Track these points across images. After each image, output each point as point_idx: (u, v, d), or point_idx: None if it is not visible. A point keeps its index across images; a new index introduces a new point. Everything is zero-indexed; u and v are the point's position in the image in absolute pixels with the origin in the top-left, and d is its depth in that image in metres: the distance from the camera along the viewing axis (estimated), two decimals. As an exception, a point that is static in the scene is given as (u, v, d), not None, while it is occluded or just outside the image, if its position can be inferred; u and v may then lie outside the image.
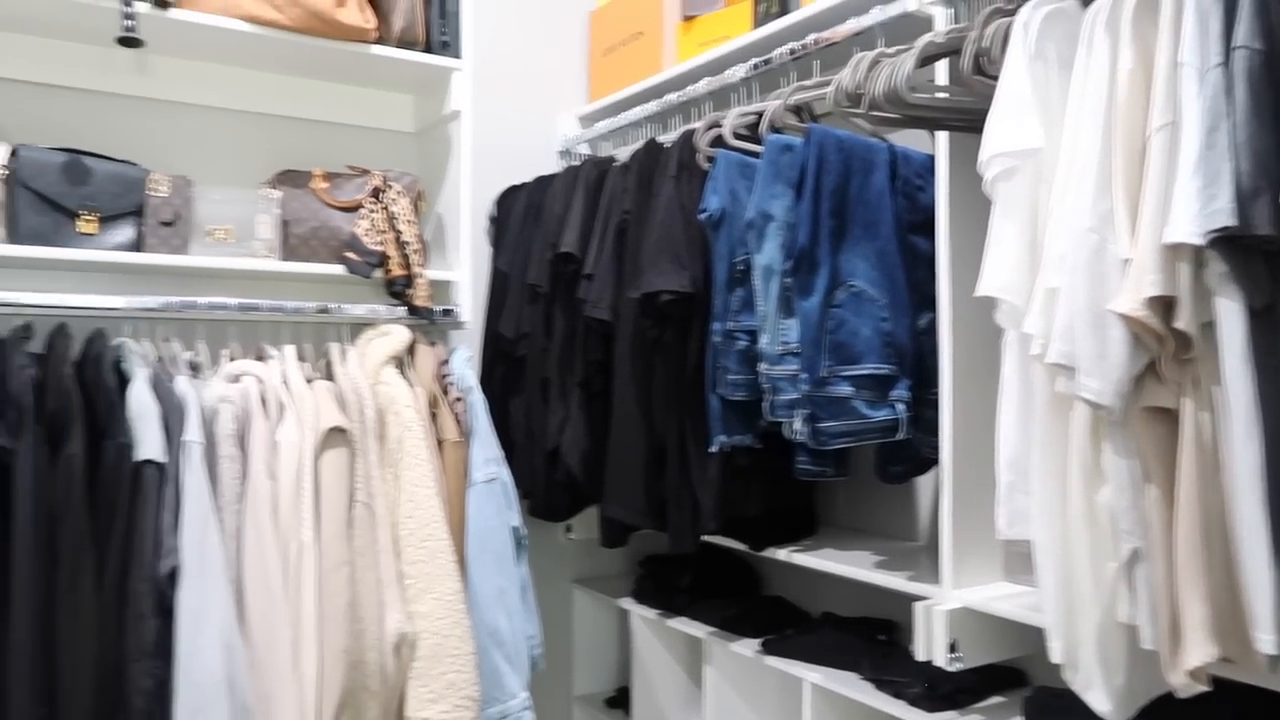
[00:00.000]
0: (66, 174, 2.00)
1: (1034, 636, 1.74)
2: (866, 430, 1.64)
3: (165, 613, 1.73)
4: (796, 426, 1.67)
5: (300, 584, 1.83)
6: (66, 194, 1.99)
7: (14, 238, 1.95)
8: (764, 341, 1.73)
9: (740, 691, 2.25)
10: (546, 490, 2.29)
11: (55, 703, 1.67)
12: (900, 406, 1.65)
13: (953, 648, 1.65)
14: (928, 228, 1.67)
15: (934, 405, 1.67)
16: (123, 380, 1.86)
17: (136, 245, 2.05)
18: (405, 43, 2.22)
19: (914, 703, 1.79)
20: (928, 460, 1.86)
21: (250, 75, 2.34)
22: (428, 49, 2.27)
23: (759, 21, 2.11)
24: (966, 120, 1.55)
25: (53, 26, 2.07)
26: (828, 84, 1.67)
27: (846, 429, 1.63)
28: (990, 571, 1.73)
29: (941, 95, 1.56)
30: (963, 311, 1.63)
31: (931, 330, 1.69)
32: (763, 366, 1.73)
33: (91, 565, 1.72)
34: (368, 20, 2.16)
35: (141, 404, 1.81)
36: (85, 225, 2.01)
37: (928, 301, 1.69)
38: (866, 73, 1.50)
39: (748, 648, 2.13)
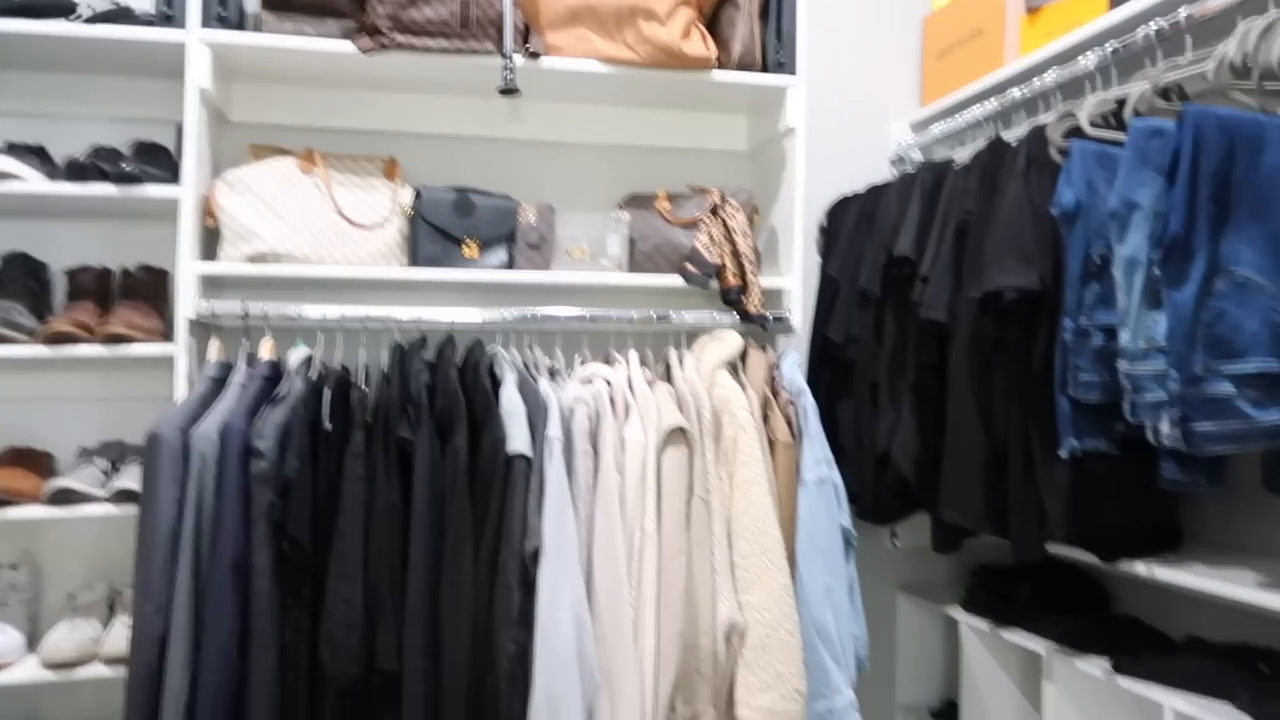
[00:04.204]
0: (456, 209, 2.13)
1: None
2: (1252, 434, 1.34)
3: (528, 587, 1.77)
4: (1164, 430, 1.40)
5: (642, 569, 1.80)
6: (455, 225, 2.13)
7: (415, 262, 2.11)
8: (1125, 337, 1.47)
9: (1085, 714, 1.94)
10: (875, 494, 2.12)
11: (439, 659, 1.75)
12: (1296, 407, 1.33)
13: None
14: (1331, 207, 1.35)
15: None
16: (495, 383, 1.94)
17: (509, 265, 2.15)
18: (743, 65, 2.17)
19: (1308, 748, 1.44)
20: (1329, 470, 1.51)
21: (603, 111, 2.40)
22: (764, 69, 2.21)
23: (1117, 1, 1.83)
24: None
25: (445, 84, 2.23)
26: (1205, 60, 1.40)
27: (1227, 432, 1.34)
28: None
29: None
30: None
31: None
32: (1123, 364, 1.47)
33: (470, 542, 1.79)
34: (710, 50, 2.13)
35: (512, 404, 1.87)
36: (469, 251, 2.14)
37: (1329, 289, 1.36)
38: (1258, 41, 1.23)
39: (1096, 666, 1.84)
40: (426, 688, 1.72)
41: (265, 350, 1.95)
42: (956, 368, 1.85)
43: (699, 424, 1.90)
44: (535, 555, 1.77)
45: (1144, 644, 1.93)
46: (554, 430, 1.83)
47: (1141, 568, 1.71)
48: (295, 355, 1.92)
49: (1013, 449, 1.74)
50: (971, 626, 2.22)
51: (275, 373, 1.89)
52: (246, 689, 1.68)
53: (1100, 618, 2.04)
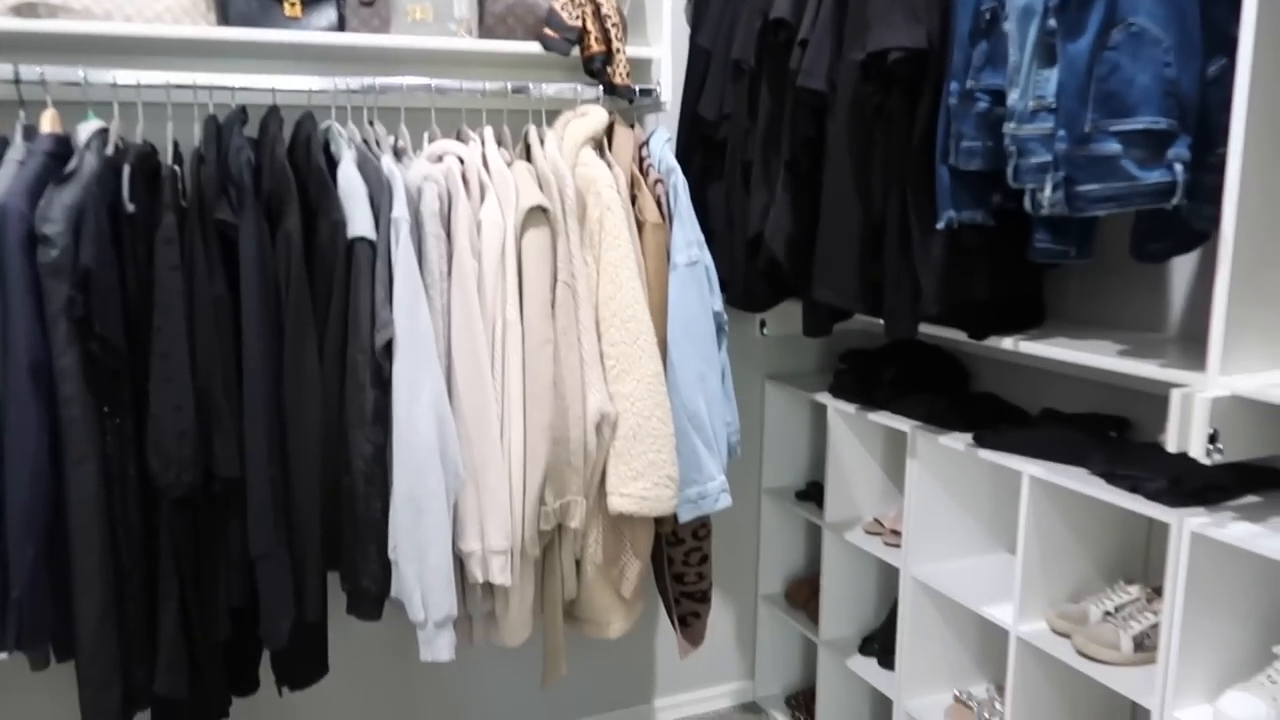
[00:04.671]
0: (271, -41, 1.82)
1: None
2: (1134, 194, 1.30)
3: (382, 384, 1.64)
4: (1046, 193, 1.36)
5: (506, 361, 1.70)
6: (272, -23, 1.82)
7: (225, 21, 1.81)
8: (1013, 97, 1.39)
9: (947, 487, 2.02)
10: (746, 279, 2.05)
11: (287, 464, 1.62)
12: (1178, 168, 1.29)
13: (1212, 438, 1.35)
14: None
15: (1216, 169, 1.31)
16: (331, 162, 1.72)
17: (339, 27, 1.87)
18: None
19: (1154, 497, 1.52)
20: (1196, 235, 1.51)
21: None
22: None
23: None
24: None
25: None
26: None
27: (1110, 193, 1.30)
28: (1263, 358, 1.39)
29: None
30: (1272, 57, 1.25)
31: (1223, 79, 1.31)
32: (1009, 127, 1.40)
33: (314, 337, 1.63)
34: None
35: (350, 183, 1.67)
36: (290, 8, 1.85)
37: (1223, 43, 1.30)
38: None
39: (958, 441, 1.89)
40: (275, 494, 1.60)
41: (47, 123, 1.65)
42: (834, 141, 1.75)
43: (561, 204, 1.75)
44: (388, 349, 1.63)
45: (1002, 418, 2.00)
46: (400, 211, 1.65)
47: (1008, 343, 1.72)
48: (86, 129, 1.64)
49: (890, 224, 1.68)
50: (839, 410, 2.25)
51: (62, 148, 1.61)
52: (65, 505, 1.51)
53: (961, 396, 2.09)
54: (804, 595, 2.56)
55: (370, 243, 1.64)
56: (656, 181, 1.87)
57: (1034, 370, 2.05)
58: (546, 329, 1.71)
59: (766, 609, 2.64)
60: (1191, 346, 1.64)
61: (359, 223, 1.64)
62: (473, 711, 2.42)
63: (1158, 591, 1.73)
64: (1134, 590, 1.72)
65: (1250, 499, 1.54)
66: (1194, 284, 1.73)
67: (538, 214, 1.72)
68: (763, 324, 2.47)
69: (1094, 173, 1.30)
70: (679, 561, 1.96)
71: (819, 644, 2.38)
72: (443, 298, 1.70)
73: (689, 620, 2.00)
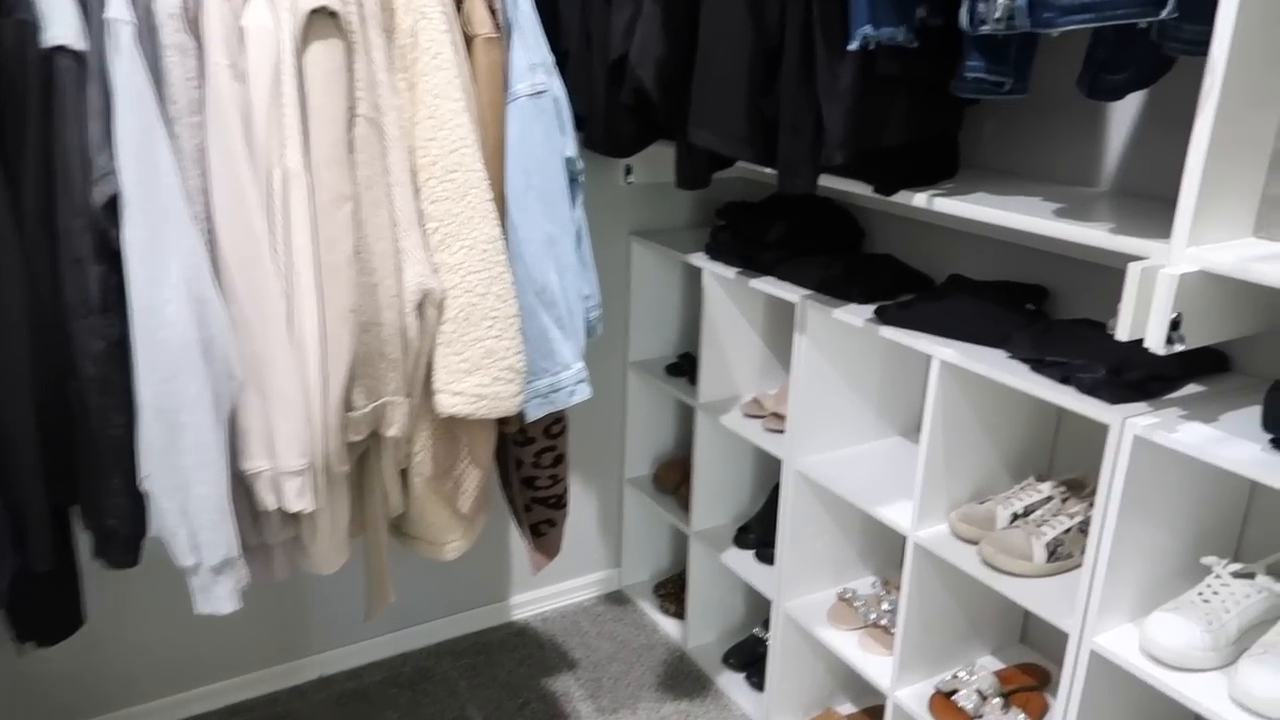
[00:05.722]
0: None
1: (1273, 310, 1.21)
2: (1116, 2, 0.99)
3: (110, 256, 1.22)
4: (1002, 0, 1.03)
5: (290, 224, 1.29)
6: None
7: None
8: None
9: (839, 366, 1.77)
10: (607, 115, 1.68)
11: (-19, 368, 1.20)
12: (1174, -34, 0.99)
13: (1175, 324, 1.11)
14: None
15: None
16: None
17: None
18: None
19: (1091, 391, 1.29)
20: (1161, 66, 1.23)
21: None
22: None
23: None
24: None
25: None
26: None
27: (1088, 0, 0.99)
28: (1235, 225, 1.15)
29: None
30: None
31: None
32: (959, -97, 1.05)
33: (4, 195, 1.18)
34: None
35: (49, -31, 1.18)
36: None
37: None
38: None
39: (856, 315, 1.62)
40: (-33, 408, 1.19)
41: None
42: (720, -69, 1.36)
43: (358, 7, 1.31)
44: (113, 208, 1.20)
45: (905, 286, 1.74)
46: (118, 9, 1.18)
47: (921, 200, 1.43)
48: None
49: (789, 45, 1.32)
50: (716, 275, 1.94)
51: None
52: None
53: (857, 260, 1.82)
54: (674, 479, 2.33)
55: (76, 54, 1.17)
56: (489, -18, 1.44)
57: (939, 229, 1.79)
58: (343, 181, 1.30)
59: (633, 494, 2.40)
60: (1133, 205, 1.39)
61: (58, 25, 1.17)
62: (310, 616, 2.12)
63: (1069, 487, 1.55)
64: (1045, 488, 1.53)
65: (1193, 388, 1.34)
66: (1138, 127, 1.47)
67: (324, 19, 1.27)
68: (628, 170, 2.11)
69: (1070, -29, 0.97)
70: (529, 464, 1.66)
71: (690, 535, 2.16)
72: (195, 136, 1.26)
73: (542, 529, 1.72)
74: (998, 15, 1.10)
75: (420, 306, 1.37)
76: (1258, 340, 1.38)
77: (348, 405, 1.36)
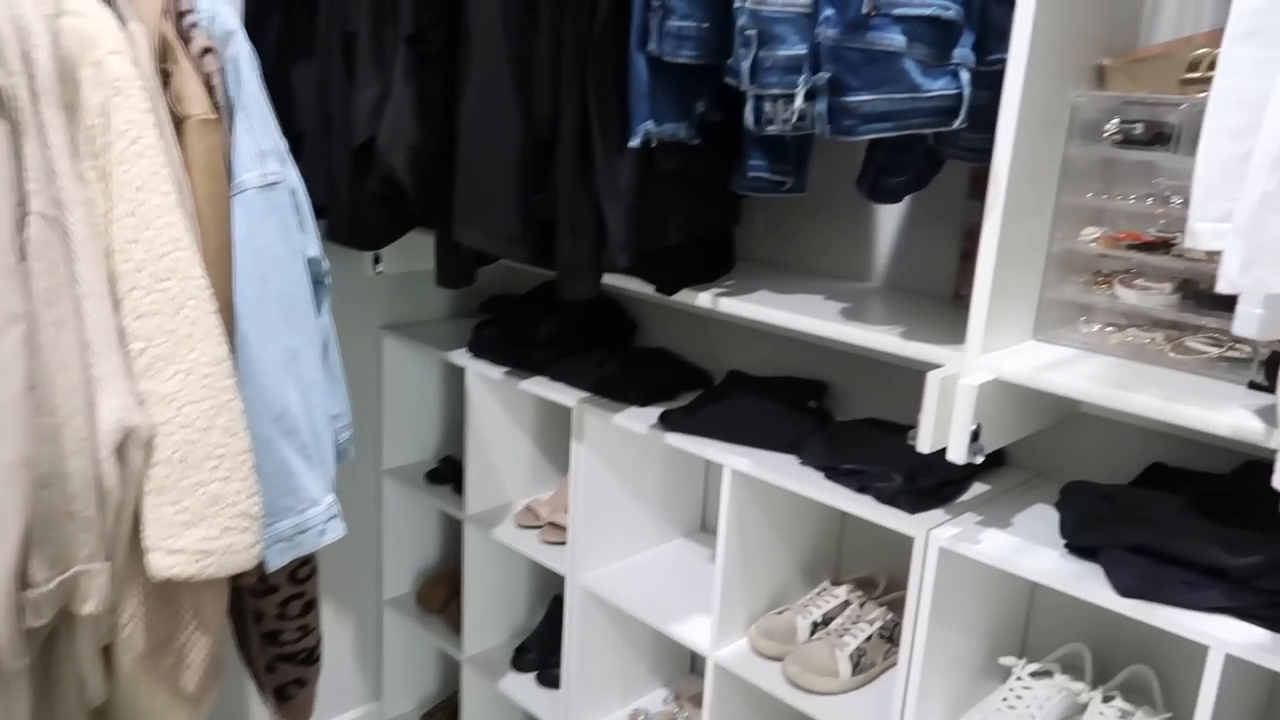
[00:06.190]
0: None
1: (1053, 410, 1.23)
2: (916, 111, 0.96)
3: None
4: (797, 103, 0.97)
5: (-67, 353, 0.99)
6: None
7: None
8: (752, -44, 0.97)
9: (622, 473, 1.65)
10: (353, 205, 1.48)
11: None
12: (964, 75, 0.97)
13: (975, 435, 1.09)
14: None
15: (992, 81, 1.00)
16: None
17: None
18: None
19: (890, 500, 1.25)
20: (934, 168, 1.23)
21: None
22: None
23: None
24: None
25: None
26: None
27: (890, 107, 0.94)
28: (1018, 329, 1.16)
29: None
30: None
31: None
32: (747, 1, 0.98)
33: None
34: None
35: None
36: None
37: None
38: None
39: (638, 420, 1.51)
40: None
41: None
42: (481, 12, 1.23)
43: (28, 79, 1.05)
44: None
45: (684, 383, 1.66)
46: None
47: (705, 300, 1.36)
48: None
49: (564, 140, 1.21)
50: (482, 375, 1.77)
51: None
52: None
53: (633, 356, 1.72)
54: (440, 596, 2.10)
55: None
56: (205, 51, 1.21)
57: (714, 322, 1.73)
58: (11, 297, 1.02)
59: (394, 616, 2.14)
60: (908, 303, 1.39)
61: None
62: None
63: (863, 588, 1.51)
64: (841, 592, 1.48)
65: (979, 487, 1.34)
66: (904, 225, 1.48)
67: (-21, 95, 1.01)
68: (376, 259, 1.91)
69: (870, 75, 0.92)
70: (271, 616, 1.39)
71: (461, 661, 1.95)
72: None
73: (290, 691, 1.45)
74: (787, 116, 1.04)
75: (121, 449, 1.10)
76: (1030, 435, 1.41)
77: (23, 582, 1.06)
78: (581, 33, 1.15)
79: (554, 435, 1.94)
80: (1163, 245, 1.09)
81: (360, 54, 1.38)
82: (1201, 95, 1.03)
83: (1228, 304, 1.07)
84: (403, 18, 1.30)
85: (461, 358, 1.80)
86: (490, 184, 1.25)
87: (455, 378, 2.11)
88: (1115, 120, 1.08)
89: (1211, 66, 1.02)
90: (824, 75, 0.92)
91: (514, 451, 1.89)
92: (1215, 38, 1.14)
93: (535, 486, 1.94)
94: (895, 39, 0.91)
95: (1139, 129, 1.07)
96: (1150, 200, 1.09)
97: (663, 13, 1.07)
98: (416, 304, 2.05)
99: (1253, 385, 1.02)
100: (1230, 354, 1.05)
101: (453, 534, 2.21)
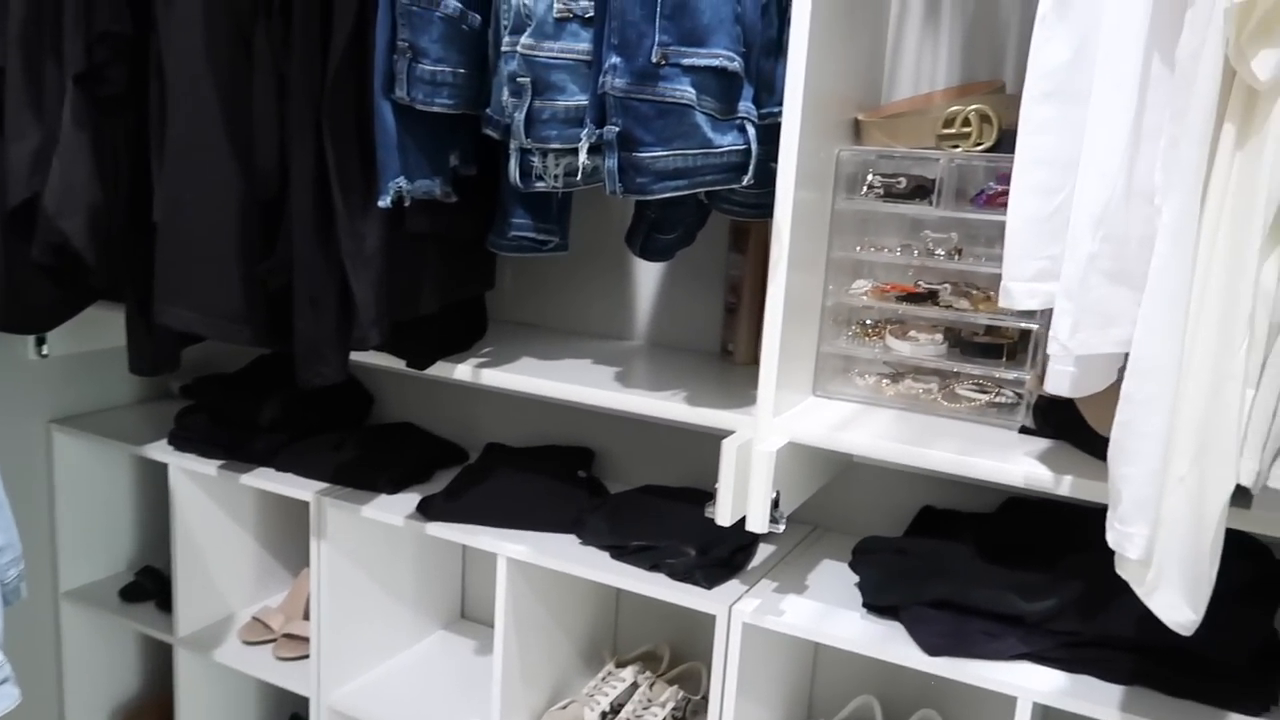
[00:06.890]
0: None
1: (834, 464, 1.22)
2: (708, 168, 0.89)
3: None
4: (582, 158, 0.87)
5: None
6: None
7: None
8: (525, -6, 0.87)
9: (371, 569, 1.46)
10: (10, 281, 1.19)
11: None
12: (751, 130, 0.92)
13: (775, 503, 1.04)
14: None
15: (765, 136, 0.96)
16: None
17: None
18: None
19: (685, 577, 1.17)
20: (702, 221, 1.18)
21: None
22: None
23: None
24: None
25: None
26: None
27: (684, 164, 0.87)
28: (800, 387, 1.13)
29: None
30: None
31: (766, 8, 0.96)
32: (522, 41, 0.87)
33: None
34: None
35: None
36: None
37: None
38: None
39: (392, 511, 1.34)
40: None
41: None
42: (180, 38, 1.02)
43: None
44: None
45: (437, 462, 1.50)
46: None
47: (465, 372, 1.22)
48: None
49: (297, 199, 1.02)
50: (189, 471, 1.50)
51: None
52: None
53: (373, 435, 1.54)
54: (146, 735, 1.76)
55: None
56: None
57: (462, 389, 1.59)
58: None
59: (84, 767, 1.76)
60: (678, 361, 1.33)
61: None
62: None
63: (647, 665, 1.42)
64: (627, 674, 1.38)
65: (766, 549, 1.30)
66: (665, 280, 1.43)
67: None
68: (40, 340, 1.58)
69: (663, 130, 0.85)
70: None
71: (181, 815, 1.63)
72: None
73: None
74: (558, 173, 0.94)
75: None
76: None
77: None
78: (312, 76, 0.98)
79: (283, 530, 1.69)
80: (930, 296, 1.11)
81: (10, 96, 1.10)
82: (957, 150, 1.06)
83: (994, 351, 1.12)
84: (68, 53, 1.05)
85: (161, 451, 1.52)
86: (202, 251, 1.04)
87: (153, 475, 1.78)
88: (871, 174, 1.09)
89: (966, 123, 1.05)
90: (612, 129, 0.83)
91: (234, 555, 1.62)
92: (955, 94, 1.20)
93: (262, 593, 1.68)
94: (686, 91, 0.84)
95: (902, 183, 1.09)
96: (916, 252, 1.10)
97: (411, 55, 0.93)
98: (95, 390, 1.72)
99: (1024, 430, 1.05)
100: (998, 400, 1.08)
101: (160, 657, 1.86)
